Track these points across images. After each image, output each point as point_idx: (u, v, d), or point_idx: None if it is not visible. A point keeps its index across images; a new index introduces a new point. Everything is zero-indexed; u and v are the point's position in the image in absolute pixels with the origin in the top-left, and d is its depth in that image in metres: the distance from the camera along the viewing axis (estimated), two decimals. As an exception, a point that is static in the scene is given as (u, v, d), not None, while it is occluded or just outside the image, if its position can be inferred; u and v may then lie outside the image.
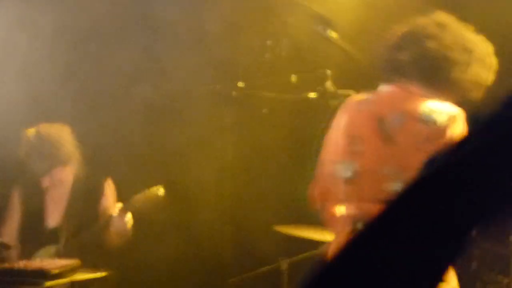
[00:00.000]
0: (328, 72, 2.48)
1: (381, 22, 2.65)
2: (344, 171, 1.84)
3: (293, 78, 2.46)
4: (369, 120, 1.82)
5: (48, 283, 2.55)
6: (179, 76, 2.66)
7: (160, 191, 2.85)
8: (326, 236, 2.49)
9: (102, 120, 3.01)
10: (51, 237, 2.99)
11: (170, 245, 2.83)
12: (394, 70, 1.84)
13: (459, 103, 1.78)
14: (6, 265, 2.65)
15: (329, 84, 2.49)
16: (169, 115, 3.01)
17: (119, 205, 2.89)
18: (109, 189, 3.03)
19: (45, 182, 3.00)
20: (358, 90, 2.47)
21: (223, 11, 2.70)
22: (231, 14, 2.71)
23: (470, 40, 1.82)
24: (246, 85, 2.44)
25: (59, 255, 2.92)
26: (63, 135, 3.01)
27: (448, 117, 1.71)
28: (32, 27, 2.82)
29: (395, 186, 1.70)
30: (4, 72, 2.91)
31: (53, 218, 3.02)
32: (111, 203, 2.97)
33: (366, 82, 2.63)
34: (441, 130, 1.70)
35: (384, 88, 1.87)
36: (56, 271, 2.59)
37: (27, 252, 2.93)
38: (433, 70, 1.80)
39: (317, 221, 2.47)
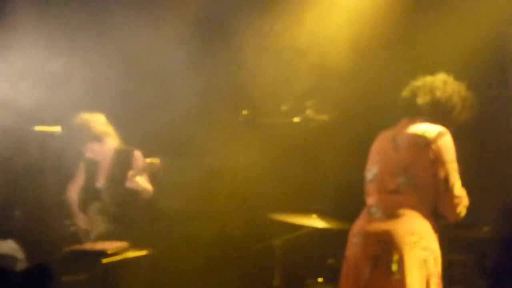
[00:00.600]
0: (309, 102, 3.45)
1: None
2: (369, 175, 2.78)
3: (283, 107, 3.43)
4: (387, 140, 2.76)
5: (105, 260, 3.51)
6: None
7: (156, 160, 3.78)
8: (307, 221, 3.46)
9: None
10: (98, 195, 3.96)
11: (195, 228, 3.85)
12: (413, 110, 2.74)
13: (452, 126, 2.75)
14: (78, 246, 3.64)
15: (309, 112, 3.46)
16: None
17: (131, 171, 3.84)
18: (137, 159, 3.98)
19: (87, 153, 3.97)
20: (332, 116, 3.45)
21: (233, 56, 3.71)
22: (240, 57, 3.70)
23: (461, 90, 2.78)
24: (248, 112, 3.40)
25: (103, 210, 3.91)
26: (96, 120, 3.97)
27: (436, 133, 2.62)
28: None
29: (400, 180, 2.59)
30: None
31: (100, 181, 3.99)
32: (136, 169, 3.91)
33: (342, 108, 3.59)
34: (431, 141, 2.60)
35: (402, 121, 2.81)
36: (111, 251, 3.55)
37: (83, 206, 3.97)
38: (440, 110, 2.74)
39: (300, 210, 3.44)
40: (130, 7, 4.03)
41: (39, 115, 3.90)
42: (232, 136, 3.65)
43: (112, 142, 3.99)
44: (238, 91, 3.72)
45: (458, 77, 2.76)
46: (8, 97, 4.01)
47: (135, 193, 3.83)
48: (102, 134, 3.95)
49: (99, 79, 4.10)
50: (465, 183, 2.57)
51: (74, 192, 4.08)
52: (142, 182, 3.80)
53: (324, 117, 3.38)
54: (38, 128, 3.83)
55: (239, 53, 3.69)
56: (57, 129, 3.87)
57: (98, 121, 3.96)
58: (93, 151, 3.97)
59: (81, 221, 4.01)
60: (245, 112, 3.41)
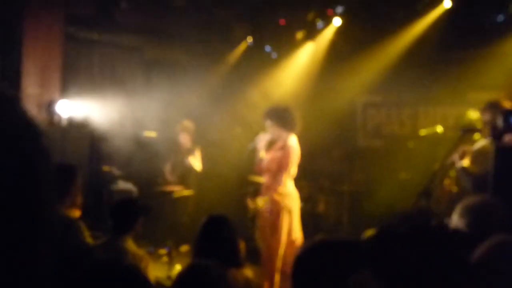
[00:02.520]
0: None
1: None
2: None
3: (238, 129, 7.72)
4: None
5: (175, 195, 7.94)
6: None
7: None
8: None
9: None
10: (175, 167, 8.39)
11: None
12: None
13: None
14: (161, 188, 8.13)
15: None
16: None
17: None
18: (198, 152, 8.28)
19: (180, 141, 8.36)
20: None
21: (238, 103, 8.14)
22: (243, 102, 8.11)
23: None
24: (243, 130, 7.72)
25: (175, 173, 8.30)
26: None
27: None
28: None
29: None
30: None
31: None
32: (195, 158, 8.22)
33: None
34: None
35: None
36: (175, 192, 7.97)
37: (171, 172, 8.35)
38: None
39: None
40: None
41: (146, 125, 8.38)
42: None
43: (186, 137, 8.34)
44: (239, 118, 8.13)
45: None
46: (130, 115, 8.53)
47: (189, 167, 8.22)
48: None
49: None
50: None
51: (167, 165, 8.48)
52: (193, 161, 8.17)
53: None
54: (147, 133, 8.32)
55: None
56: (155, 134, 8.35)
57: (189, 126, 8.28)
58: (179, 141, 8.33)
59: (169, 177, 8.42)
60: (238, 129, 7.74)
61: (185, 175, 8.16)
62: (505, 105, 4.39)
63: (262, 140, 5.70)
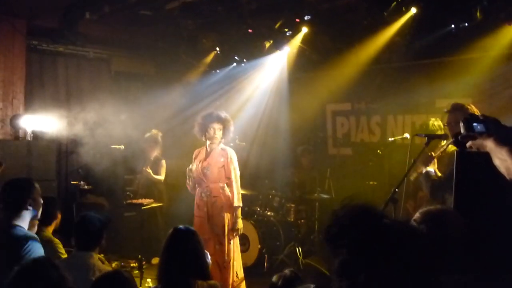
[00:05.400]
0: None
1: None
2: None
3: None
4: None
5: (143, 207, 7.80)
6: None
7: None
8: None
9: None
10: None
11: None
12: None
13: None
14: (130, 201, 7.98)
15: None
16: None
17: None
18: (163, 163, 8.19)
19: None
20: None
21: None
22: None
23: None
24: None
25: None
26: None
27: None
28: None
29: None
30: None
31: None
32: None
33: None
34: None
35: None
36: (146, 203, 7.84)
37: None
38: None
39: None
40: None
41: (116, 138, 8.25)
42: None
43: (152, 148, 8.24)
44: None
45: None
46: (97, 128, 8.38)
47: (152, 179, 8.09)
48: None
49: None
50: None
51: (135, 178, 8.34)
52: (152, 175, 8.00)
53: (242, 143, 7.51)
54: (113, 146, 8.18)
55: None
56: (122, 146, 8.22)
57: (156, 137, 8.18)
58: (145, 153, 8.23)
59: (137, 189, 8.26)
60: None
61: (150, 187, 8.04)
62: (468, 108, 4.44)
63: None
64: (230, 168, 5.94)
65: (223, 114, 5.92)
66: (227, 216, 5.89)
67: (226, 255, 5.80)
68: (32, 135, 8.20)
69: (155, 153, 8.11)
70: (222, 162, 5.95)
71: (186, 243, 3.79)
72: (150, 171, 7.77)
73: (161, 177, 8.03)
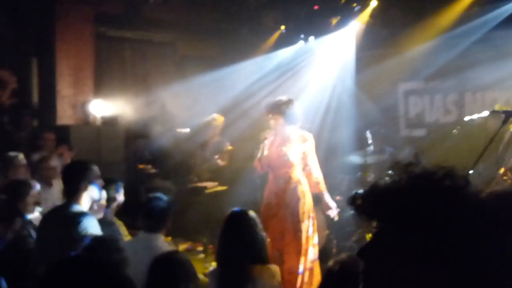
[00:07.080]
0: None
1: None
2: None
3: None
4: None
5: (208, 191, 7.74)
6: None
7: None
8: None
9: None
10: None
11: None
12: None
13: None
14: (194, 184, 7.95)
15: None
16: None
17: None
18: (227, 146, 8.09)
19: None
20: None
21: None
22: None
23: None
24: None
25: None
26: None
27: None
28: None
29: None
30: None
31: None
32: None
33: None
34: None
35: None
36: (208, 188, 7.77)
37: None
38: None
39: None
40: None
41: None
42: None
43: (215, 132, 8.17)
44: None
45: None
46: (163, 112, 8.41)
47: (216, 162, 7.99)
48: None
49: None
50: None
51: (200, 161, 8.36)
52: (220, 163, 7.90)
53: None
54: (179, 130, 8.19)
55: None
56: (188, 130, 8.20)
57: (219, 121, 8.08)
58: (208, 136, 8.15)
59: (202, 173, 8.24)
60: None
61: (214, 171, 7.95)
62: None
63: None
64: (309, 153, 5.59)
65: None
66: (305, 203, 5.53)
67: (304, 241, 5.45)
68: (101, 120, 8.36)
69: (218, 137, 8.05)
70: (301, 147, 5.58)
71: (242, 226, 3.65)
72: (219, 161, 7.70)
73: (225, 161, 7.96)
